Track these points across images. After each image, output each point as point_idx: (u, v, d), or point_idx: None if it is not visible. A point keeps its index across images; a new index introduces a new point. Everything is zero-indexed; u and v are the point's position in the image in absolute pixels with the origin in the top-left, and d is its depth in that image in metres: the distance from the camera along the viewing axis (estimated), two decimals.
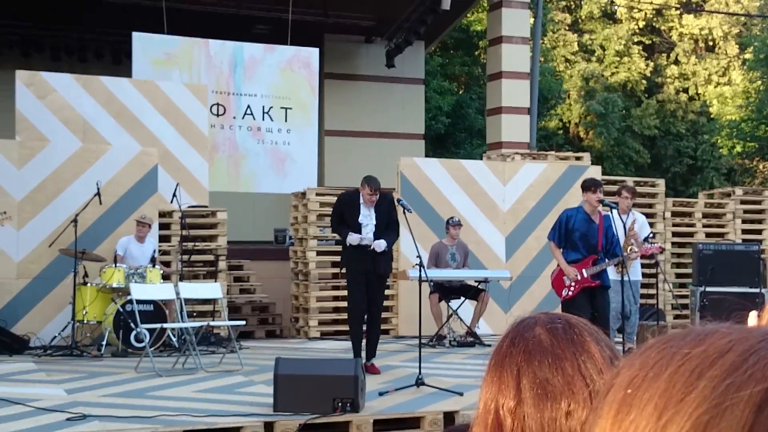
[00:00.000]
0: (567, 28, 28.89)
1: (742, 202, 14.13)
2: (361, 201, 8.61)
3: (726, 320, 0.75)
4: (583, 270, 8.23)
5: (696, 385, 0.66)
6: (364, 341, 8.71)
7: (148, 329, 9.23)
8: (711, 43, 29.37)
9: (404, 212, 8.36)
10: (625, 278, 8.39)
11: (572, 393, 1.27)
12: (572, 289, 8.25)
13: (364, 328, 8.80)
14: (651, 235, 10.60)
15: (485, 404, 1.31)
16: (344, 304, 12.40)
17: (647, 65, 28.52)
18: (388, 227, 8.65)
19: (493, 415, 1.29)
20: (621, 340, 8.64)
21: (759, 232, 14.02)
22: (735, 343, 0.68)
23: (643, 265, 10.52)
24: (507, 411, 1.28)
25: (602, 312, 8.26)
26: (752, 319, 1.44)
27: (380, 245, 8.53)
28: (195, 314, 10.91)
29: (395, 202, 8.78)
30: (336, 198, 9.22)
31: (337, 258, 12.53)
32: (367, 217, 8.60)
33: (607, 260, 8.28)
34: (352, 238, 8.53)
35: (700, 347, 0.68)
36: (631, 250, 8.91)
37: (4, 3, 16.06)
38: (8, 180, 10.96)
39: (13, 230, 10.85)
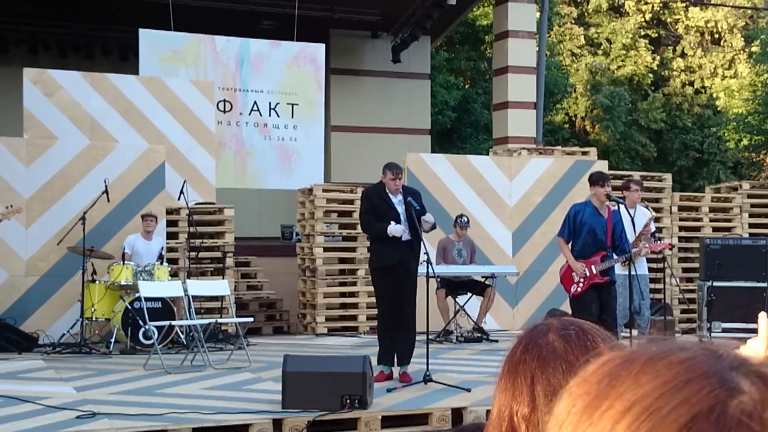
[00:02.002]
0: (573, 21, 28.80)
1: (749, 196, 14.09)
2: (388, 191, 8.15)
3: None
4: (592, 267, 8.20)
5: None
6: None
7: (156, 326, 9.25)
8: (717, 36, 29.28)
9: (412, 209, 8.31)
10: (633, 273, 8.36)
11: None
12: (581, 285, 8.23)
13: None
14: (656, 230, 10.57)
15: (499, 411, 1.32)
16: (351, 300, 12.47)
17: (654, 58, 28.43)
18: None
19: (507, 422, 1.30)
20: (628, 335, 8.62)
21: (766, 226, 13.99)
22: (664, 384, 0.69)
23: (650, 260, 10.50)
24: (521, 418, 1.29)
25: (609, 307, 8.25)
26: (762, 320, 1.43)
27: (429, 218, 8.00)
28: (203, 311, 10.94)
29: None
30: (362, 195, 8.61)
31: (345, 254, 12.60)
32: (400, 206, 8.09)
33: (615, 256, 8.25)
34: (395, 228, 7.91)
35: (633, 389, 0.70)
36: (642, 245, 8.86)
37: (11, 0, 16.08)
38: (16, 178, 10.98)
39: (21, 228, 10.88)
